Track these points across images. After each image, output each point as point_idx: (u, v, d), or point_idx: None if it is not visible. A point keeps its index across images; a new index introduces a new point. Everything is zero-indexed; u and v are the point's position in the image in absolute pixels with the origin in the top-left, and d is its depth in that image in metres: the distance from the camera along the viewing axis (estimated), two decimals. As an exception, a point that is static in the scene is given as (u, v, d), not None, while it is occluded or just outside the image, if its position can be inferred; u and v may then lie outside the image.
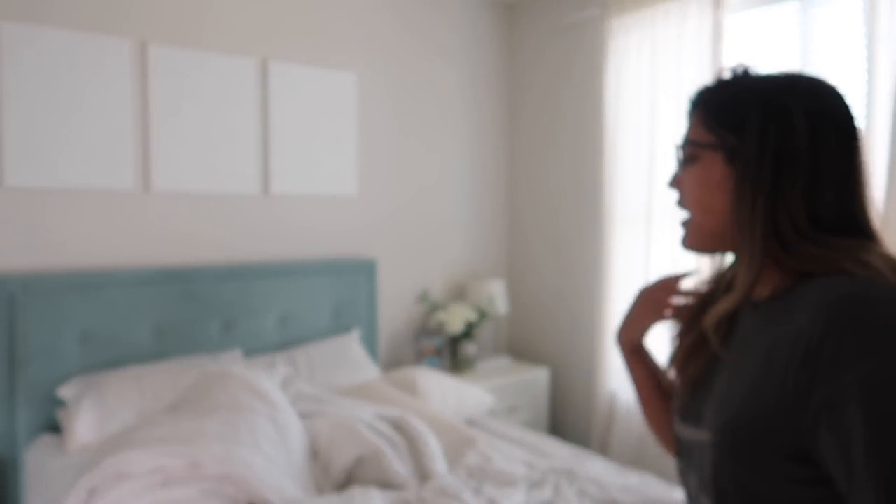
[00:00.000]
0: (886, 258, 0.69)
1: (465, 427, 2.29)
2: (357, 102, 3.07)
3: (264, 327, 2.75)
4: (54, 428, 2.24)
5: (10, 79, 2.21)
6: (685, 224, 0.81)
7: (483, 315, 3.25)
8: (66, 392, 2.21)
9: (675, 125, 2.69)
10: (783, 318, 0.68)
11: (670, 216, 2.73)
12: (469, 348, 3.24)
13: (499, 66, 3.63)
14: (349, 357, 2.82)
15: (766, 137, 0.72)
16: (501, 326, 3.67)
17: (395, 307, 3.25)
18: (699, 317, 0.84)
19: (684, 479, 0.83)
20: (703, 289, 0.88)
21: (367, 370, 2.81)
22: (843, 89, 0.75)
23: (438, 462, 2.04)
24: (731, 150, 0.75)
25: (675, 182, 0.82)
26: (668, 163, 2.73)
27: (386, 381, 2.68)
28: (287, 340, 2.81)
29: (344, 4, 3.02)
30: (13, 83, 2.22)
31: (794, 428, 0.63)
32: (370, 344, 3.08)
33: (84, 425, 2.10)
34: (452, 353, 3.25)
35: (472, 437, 2.22)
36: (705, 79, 2.55)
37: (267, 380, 2.20)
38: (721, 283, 0.85)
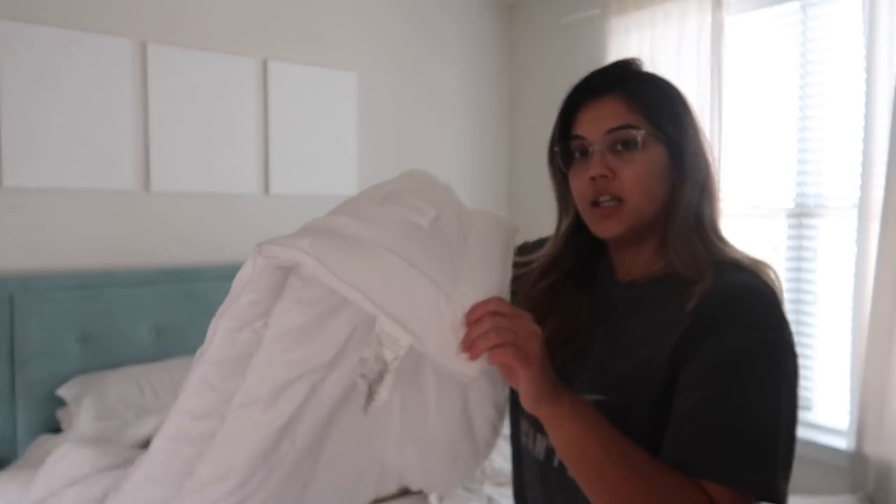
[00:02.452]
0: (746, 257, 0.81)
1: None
2: (357, 102, 3.07)
3: (264, 327, 2.74)
4: (54, 428, 2.24)
5: (10, 78, 2.21)
6: (612, 210, 0.81)
7: (483, 315, 3.24)
8: (66, 392, 2.21)
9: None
10: (675, 297, 0.78)
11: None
12: (469, 348, 3.23)
13: (499, 65, 3.63)
14: (349, 357, 2.82)
15: (699, 137, 0.83)
16: (501, 326, 3.67)
17: (395, 307, 3.25)
18: (554, 299, 0.88)
19: (537, 447, 0.88)
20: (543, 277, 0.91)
21: (367, 370, 2.80)
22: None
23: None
24: (674, 143, 0.81)
25: (608, 169, 0.80)
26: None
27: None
28: (287, 340, 2.80)
29: (344, 4, 3.02)
30: (13, 83, 2.22)
31: (660, 376, 0.75)
32: (370, 344, 3.07)
33: (84, 425, 2.10)
34: (452, 353, 3.25)
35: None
36: (704, 78, 2.55)
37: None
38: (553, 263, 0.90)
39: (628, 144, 0.80)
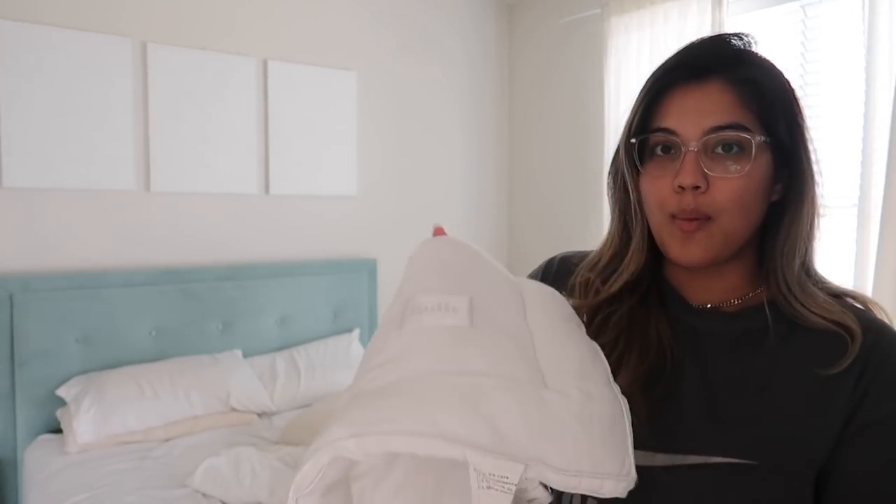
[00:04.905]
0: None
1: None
2: (357, 102, 3.07)
3: (264, 327, 2.75)
4: (54, 428, 2.24)
5: (10, 78, 2.21)
6: (699, 229, 0.64)
7: (483, 315, 3.25)
8: (66, 392, 2.21)
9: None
10: (799, 338, 0.64)
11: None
12: (469, 348, 3.24)
13: (499, 65, 3.63)
14: (349, 357, 2.82)
15: (808, 142, 0.65)
16: (501, 326, 3.67)
17: (394, 307, 3.24)
18: (636, 331, 0.70)
19: None
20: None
21: (367, 370, 2.80)
22: None
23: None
24: (788, 152, 0.64)
25: (705, 182, 0.63)
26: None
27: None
28: (287, 340, 2.81)
29: (344, 4, 3.02)
30: (13, 83, 2.22)
31: (826, 443, 0.61)
32: (370, 344, 3.07)
33: (84, 425, 2.10)
34: (452, 353, 3.25)
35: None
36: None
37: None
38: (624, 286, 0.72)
39: (732, 149, 0.62)
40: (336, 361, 2.76)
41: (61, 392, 2.21)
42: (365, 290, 3.06)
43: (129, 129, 2.45)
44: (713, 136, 0.62)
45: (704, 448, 0.63)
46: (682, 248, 0.65)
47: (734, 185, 0.62)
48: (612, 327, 0.70)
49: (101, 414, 2.13)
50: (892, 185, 2.05)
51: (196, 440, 2.21)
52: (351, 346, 2.88)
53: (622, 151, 0.70)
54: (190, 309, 2.54)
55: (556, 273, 0.83)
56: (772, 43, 2.53)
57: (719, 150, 0.63)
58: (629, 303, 0.71)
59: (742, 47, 0.66)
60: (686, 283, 0.71)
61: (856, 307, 0.65)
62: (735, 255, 0.67)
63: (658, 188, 0.66)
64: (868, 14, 2.12)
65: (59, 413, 2.22)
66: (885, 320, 0.65)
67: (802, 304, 0.64)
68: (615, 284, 0.72)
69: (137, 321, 2.43)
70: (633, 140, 0.68)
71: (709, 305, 0.70)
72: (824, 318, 0.63)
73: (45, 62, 2.28)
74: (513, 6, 3.62)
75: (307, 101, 2.90)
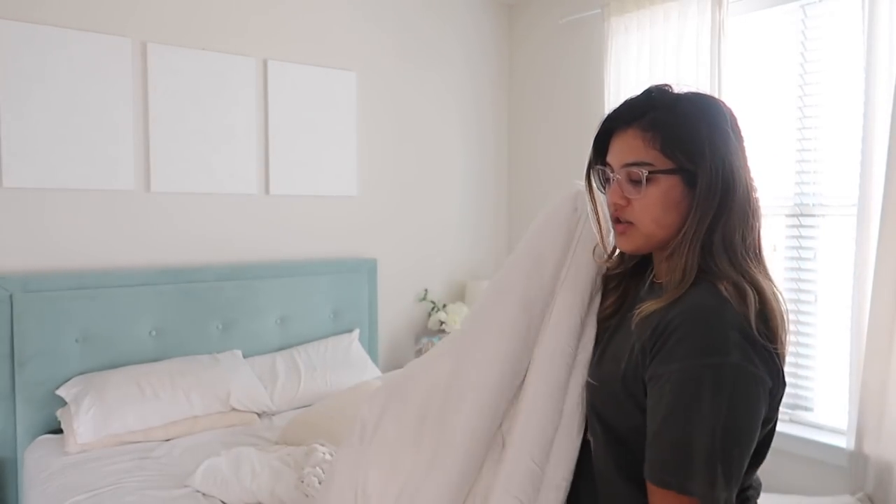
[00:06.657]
0: (758, 285, 0.86)
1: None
2: (357, 102, 3.07)
3: (264, 327, 2.75)
4: (54, 428, 2.24)
5: (10, 78, 2.21)
6: (625, 230, 0.93)
7: (483, 315, 3.25)
8: (65, 392, 2.21)
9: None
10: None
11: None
12: (469, 348, 3.24)
13: (499, 65, 3.63)
14: (349, 357, 2.82)
15: (718, 166, 0.86)
16: (501, 326, 3.67)
17: (395, 307, 3.25)
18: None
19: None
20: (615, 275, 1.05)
21: (367, 370, 2.81)
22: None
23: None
24: (689, 175, 0.87)
25: (625, 200, 0.91)
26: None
27: (386, 381, 2.69)
28: (287, 340, 2.81)
29: (344, 4, 3.02)
30: (13, 83, 2.22)
31: (641, 380, 0.87)
32: (370, 344, 3.07)
33: (84, 425, 2.10)
34: (452, 353, 3.25)
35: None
36: (704, 79, 2.54)
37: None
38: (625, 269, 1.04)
39: (639, 177, 0.89)
40: (336, 361, 2.76)
41: (61, 392, 2.21)
42: (365, 290, 3.06)
43: (129, 130, 2.45)
44: (624, 169, 0.91)
45: (591, 374, 0.97)
46: (619, 241, 0.96)
47: (641, 203, 0.89)
48: (611, 279, 1.04)
49: (101, 414, 2.13)
50: (892, 185, 2.05)
51: (196, 440, 2.21)
52: (351, 346, 2.88)
53: (593, 176, 1.00)
54: (190, 309, 2.54)
55: None
56: (771, 42, 2.53)
57: (632, 178, 0.90)
58: (625, 266, 1.03)
59: (658, 97, 0.91)
60: (655, 264, 0.99)
61: (706, 287, 0.85)
62: (670, 245, 0.91)
63: (608, 201, 0.96)
64: (868, 14, 2.12)
65: (59, 413, 2.22)
66: (730, 304, 0.82)
67: (672, 283, 0.88)
68: (620, 264, 1.05)
69: (137, 321, 2.43)
70: (590, 171, 1.00)
71: (657, 281, 0.96)
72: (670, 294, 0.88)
73: (46, 62, 2.28)
74: (512, 6, 3.62)
75: (307, 101, 2.90)
